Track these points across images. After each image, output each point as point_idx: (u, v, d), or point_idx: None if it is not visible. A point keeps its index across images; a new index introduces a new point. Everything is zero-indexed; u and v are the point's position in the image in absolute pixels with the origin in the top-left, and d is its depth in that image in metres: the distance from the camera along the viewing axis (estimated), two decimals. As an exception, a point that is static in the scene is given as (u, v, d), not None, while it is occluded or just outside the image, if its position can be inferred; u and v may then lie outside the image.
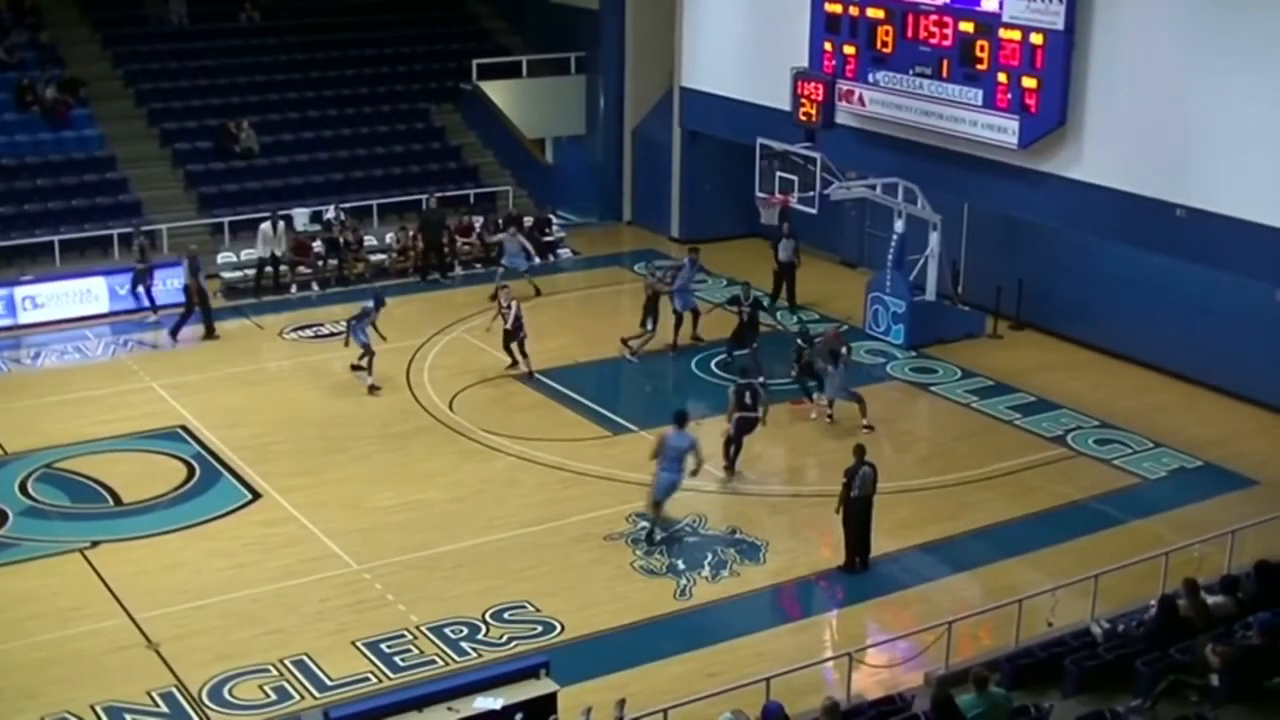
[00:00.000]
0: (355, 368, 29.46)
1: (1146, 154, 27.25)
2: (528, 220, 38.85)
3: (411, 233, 36.99)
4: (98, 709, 18.67)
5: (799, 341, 28.89)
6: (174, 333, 32.24)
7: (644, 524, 23.62)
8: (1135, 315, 30.70)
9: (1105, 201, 28.11)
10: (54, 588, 21.81)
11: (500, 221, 37.83)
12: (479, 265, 37.55)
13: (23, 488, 25.03)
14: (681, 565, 22.65)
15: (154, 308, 33.44)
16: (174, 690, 19.15)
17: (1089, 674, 17.56)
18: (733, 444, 25.66)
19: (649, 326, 31.22)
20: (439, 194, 38.11)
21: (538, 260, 36.00)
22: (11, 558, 22.71)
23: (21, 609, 21.14)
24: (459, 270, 37.10)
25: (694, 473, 23.54)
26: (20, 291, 32.93)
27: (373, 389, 28.99)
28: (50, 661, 19.80)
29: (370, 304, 29.47)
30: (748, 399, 25.60)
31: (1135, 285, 30.55)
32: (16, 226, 35.50)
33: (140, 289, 33.54)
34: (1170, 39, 26.75)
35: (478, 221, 38.35)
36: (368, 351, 29.09)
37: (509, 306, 29.93)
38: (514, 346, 30.17)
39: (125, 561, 22.61)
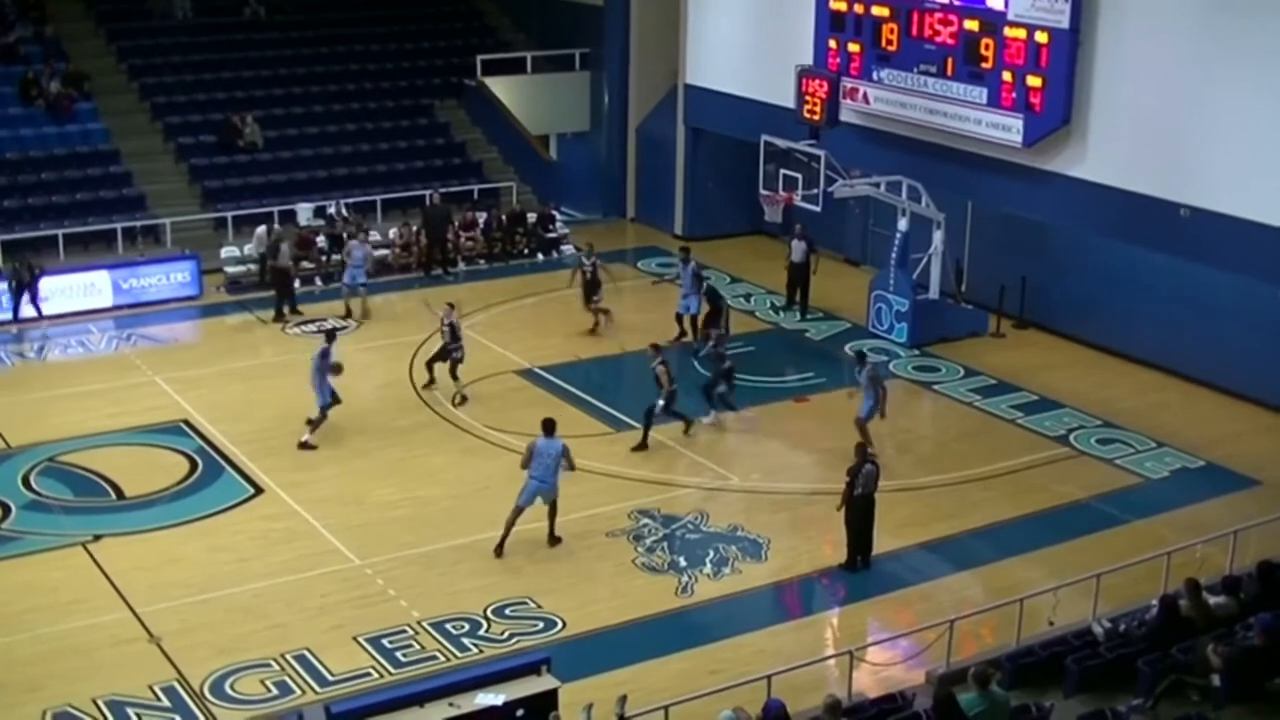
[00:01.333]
0: (310, 422, 26.93)
1: (1150, 153, 27.26)
2: (531, 216, 38.89)
3: (415, 228, 37.00)
4: (100, 703, 18.69)
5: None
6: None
7: (644, 520, 23.68)
8: (1138, 315, 30.70)
9: (1109, 201, 28.12)
10: (56, 581, 21.84)
11: (345, 221, 36.88)
12: (482, 261, 37.59)
13: (26, 481, 25.05)
14: (683, 562, 22.66)
15: (15, 319, 32.57)
16: (176, 684, 19.17)
17: (1090, 673, 17.57)
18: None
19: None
20: (442, 189, 38.08)
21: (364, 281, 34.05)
22: (14, 551, 22.74)
23: (24, 602, 21.17)
24: (462, 265, 37.11)
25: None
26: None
27: (304, 445, 26.70)
28: (52, 655, 19.83)
29: (324, 345, 27.31)
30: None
31: (1138, 285, 30.55)
32: (21, 220, 35.54)
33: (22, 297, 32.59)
34: (1175, 38, 26.76)
35: (481, 217, 38.34)
36: (325, 410, 26.89)
37: (448, 322, 28.85)
38: (436, 365, 29.13)
39: (127, 555, 22.64)
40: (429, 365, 29.37)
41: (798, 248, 34.66)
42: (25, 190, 36.37)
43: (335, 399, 26.87)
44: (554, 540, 23.07)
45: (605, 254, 36.59)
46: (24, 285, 32.26)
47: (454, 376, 28.90)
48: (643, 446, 26.57)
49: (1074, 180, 28.74)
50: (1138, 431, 27.58)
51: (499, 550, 22.63)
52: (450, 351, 28.75)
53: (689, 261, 32.55)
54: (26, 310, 32.42)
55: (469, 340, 30.14)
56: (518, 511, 22.80)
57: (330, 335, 27.90)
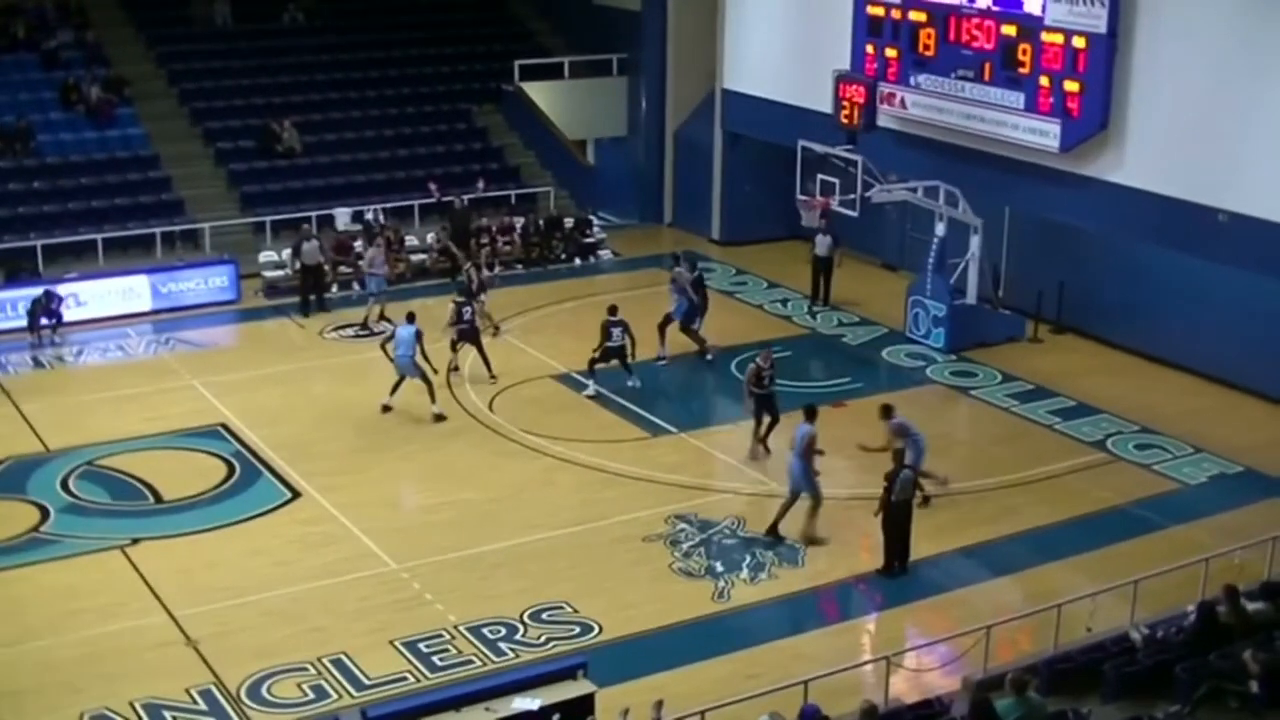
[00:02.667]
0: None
1: (1189, 158, 27.14)
2: (568, 221, 38.93)
3: (450, 233, 37.04)
4: (137, 706, 18.78)
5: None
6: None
7: (681, 524, 23.73)
8: (1176, 320, 30.55)
9: (1147, 206, 28.00)
10: (95, 584, 21.95)
11: (382, 227, 36.91)
12: (519, 266, 37.62)
13: (64, 484, 25.19)
14: (720, 567, 22.64)
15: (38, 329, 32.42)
16: (213, 688, 19.25)
17: (1128, 680, 17.47)
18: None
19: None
20: (469, 195, 38.02)
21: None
22: (54, 554, 22.87)
23: (63, 605, 21.29)
24: (498, 270, 37.10)
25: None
26: (63, 289, 33.05)
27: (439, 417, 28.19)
28: (91, 658, 19.93)
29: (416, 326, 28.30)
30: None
31: (1177, 290, 30.40)
32: (61, 225, 35.75)
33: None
34: (1213, 42, 26.63)
35: (518, 222, 38.38)
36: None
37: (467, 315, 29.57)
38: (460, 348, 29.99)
39: (165, 559, 22.74)
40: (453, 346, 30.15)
41: (822, 242, 34.74)
42: (66, 195, 36.58)
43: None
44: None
45: (641, 259, 36.76)
46: (48, 313, 32.29)
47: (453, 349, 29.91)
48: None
49: (1111, 185, 28.63)
50: (1176, 437, 27.44)
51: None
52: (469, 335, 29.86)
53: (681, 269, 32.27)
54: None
55: (507, 343, 30.22)
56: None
57: (411, 316, 28.66)
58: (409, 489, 25.23)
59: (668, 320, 31.39)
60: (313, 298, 34.26)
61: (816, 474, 23.34)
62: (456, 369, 29.98)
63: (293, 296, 34.78)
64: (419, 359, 27.95)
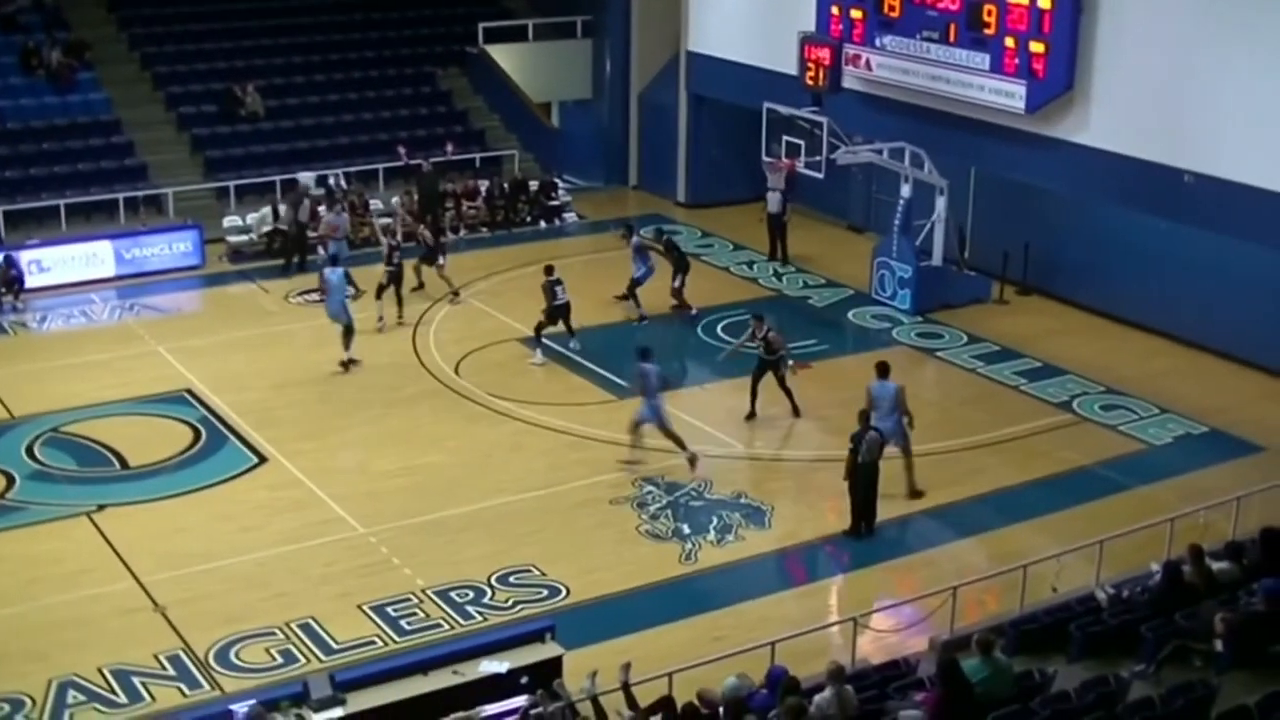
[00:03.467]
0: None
1: (1154, 119, 27.17)
2: (533, 184, 38.84)
3: (416, 197, 36.92)
4: (106, 672, 18.76)
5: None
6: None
7: (648, 487, 23.76)
8: (1142, 281, 30.66)
9: (1112, 167, 28.05)
10: (61, 551, 21.89)
11: (345, 191, 37.05)
12: (485, 229, 37.52)
13: (29, 451, 25.09)
14: (687, 529, 22.69)
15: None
16: (181, 653, 19.23)
17: (1093, 639, 17.57)
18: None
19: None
20: (435, 158, 37.87)
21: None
22: (19, 521, 22.79)
23: (29, 572, 21.23)
24: (463, 233, 36.99)
25: None
26: (26, 255, 32.84)
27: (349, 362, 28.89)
28: (58, 624, 19.89)
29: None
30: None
31: (1142, 251, 30.50)
32: (23, 191, 35.49)
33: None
34: (1179, 3, 26.64)
35: (483, 185, 38.27)
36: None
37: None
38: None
39: (132, 525, 22.69)
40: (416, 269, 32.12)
41: (773, 198, 34.90)
42: (27, 160, 36.31)
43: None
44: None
45: (607, 221, 36.68)
46: (8, 280, 32.05)
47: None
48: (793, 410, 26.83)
49: (1077, 146, 28.66)
50: (1141, 398, 27.57)
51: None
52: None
53: (632, 237, 32.34)
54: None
55: (473, 307, 30.20)
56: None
57: (334, 259, 31.72)
58: (376, 453, 25.16)
59: (634, 284, 31.41)
60: (296, 259, 34.43)
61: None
62: (381, 320, 30.78)
63: (258, 261, 34.64)
64: (349, 305, 28.80)
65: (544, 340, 29.12)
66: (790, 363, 26.61)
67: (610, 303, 31.94)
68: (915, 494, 23.65)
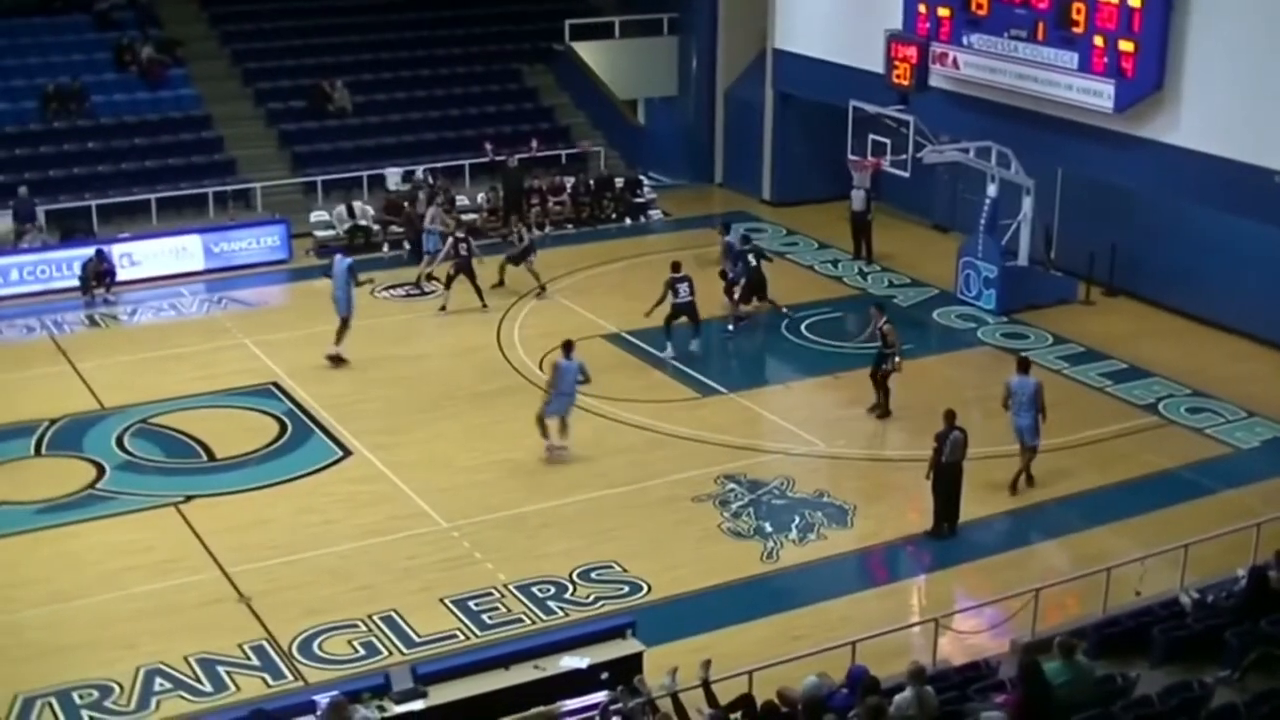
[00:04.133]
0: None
1: (1244, 119, 26.86)
2: (619, 181, 38.91)
3: (501, 193, 37.11)
4: (191, 660, 18.99)
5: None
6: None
7: (730, 485, 23.75)
8: (1230, 283, 30.31)
9: (1202, 167, 27.75)
10: (149, 541, 22.17)
11: (431, 186, 37.06)
12: (569, 226, 37.64)
13: (119, 442, 25.42)
14: (769, 528, 22.67)
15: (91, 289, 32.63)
16: (265, 643, 19.44)
17: (1177, 644, 17.43)
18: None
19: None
20: (520, 155, 38.00)
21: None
22: (109, 511, 23.11)
23: (118, 561, 21.52)
24: (548, 230, 37.13)
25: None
26: (118, 249, 33.29)
27: (335, 358, 28.95)
28: (146, 613, 20.16)
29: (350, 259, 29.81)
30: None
31: (1230, 252, 30.16)
32: (115, 185, 36.00)
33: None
34: (1270, 1, 26.34)
35: (569, 182, 38.40)
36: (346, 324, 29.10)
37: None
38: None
39: (218, 516, 22.95)
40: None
41: (858, 196, 34.77)
42: (119, 155, 36.81)
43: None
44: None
45: (692, 219, 36.71)
46: (99, 274, 32.48)
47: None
48: (880, 409, 26.76)
49: (1166, 146, 28.38)
50: (1228, 401, 27.28)
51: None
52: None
53: (726, 235, 32.46)
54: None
55: (557, 303, 30.30)
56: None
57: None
58: (459, 448, 25.28)
59: (729, 282, 31.53)
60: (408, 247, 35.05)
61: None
62: (444, 309, 31.20)
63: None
64: (352, 294, 29.02)
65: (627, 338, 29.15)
66: (897, 359, 26.50)
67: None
68: (1017, 488, 23.67)
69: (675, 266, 29.26)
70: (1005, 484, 23.74)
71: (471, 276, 31.47)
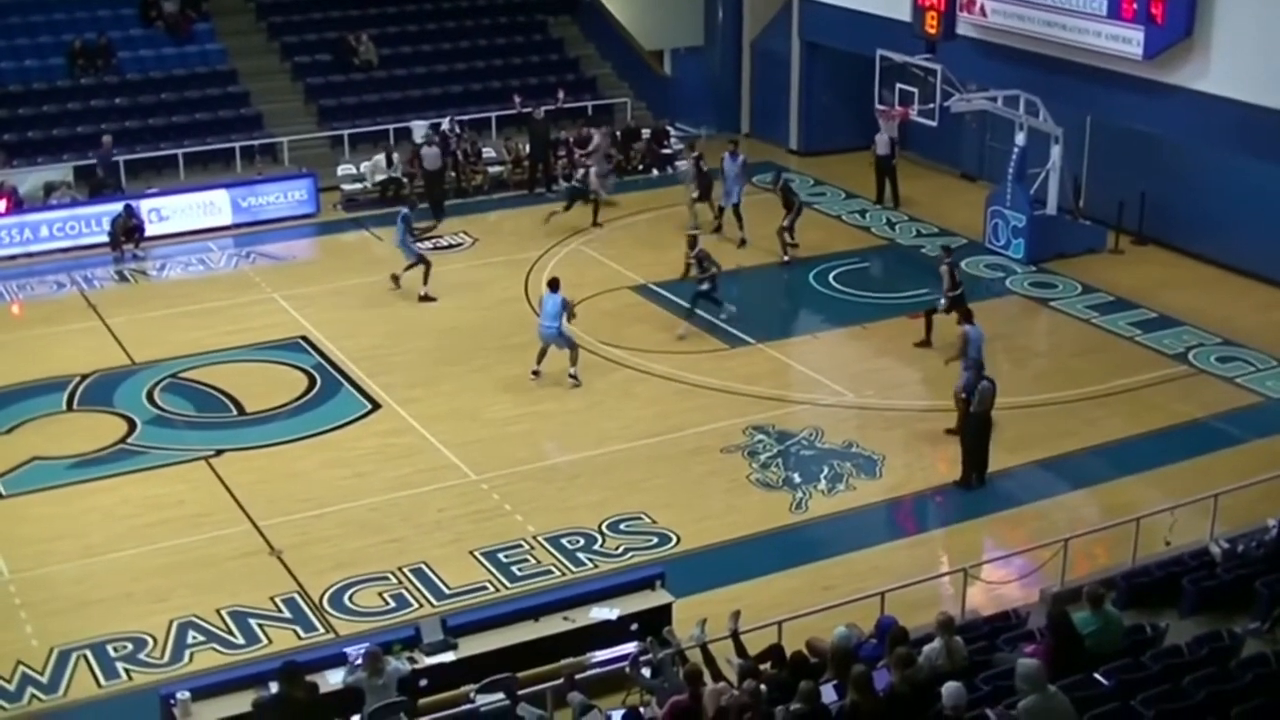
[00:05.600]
0: (395, 278, 30.25)
1: (1274, 65, 26.63)
2: (645, 132, 38.84)
3: (523, 145, 37.05)
4: (224, 613, 19.12)
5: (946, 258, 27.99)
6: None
7: (759, 436, 23.77)
8: (1260, 231, 30.14)
9: (1232, 114, 27.57)
10: (181, 495, 22.31)
11: (459, 138, 37.29)
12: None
13: (150, 397, 25.54)
14: (797, 478, 22.70)
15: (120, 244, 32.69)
16: (296, 596, 19.56)
17: (1206, 594, 17.42)
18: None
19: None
20: (547, 106, 37.93)
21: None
22: (141, 465, 23.24)
23: (151, 515, 21.67)
24: (575, 181, 37.06)
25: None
26: (146, 204, 33.36)
27: (424, 298, 29.72)
28: (178, 566, 20.30)
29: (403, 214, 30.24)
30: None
31: (1261, 200, 29.99)
32: (142, 140, 36.01)
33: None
34: (1302, -53, 26.16)
35: (596, 133, 38.30)
36: (421, 262, 29.81)
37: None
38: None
39: (248, 470, 23.07)
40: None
41: (881, 141, 34.66)
42: (146, 111, 36.81)
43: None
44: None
45: (719, 170, 36.51)
46: (128, 229, 32.54)
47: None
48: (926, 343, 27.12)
49: (1196, 94, 28.18)
50: (1258, 349, 27.17)
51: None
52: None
53: (737, 156, 32.74)
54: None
55: (585, 255, 30.29)
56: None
57: (413, 205, 31.47)
58: (487, 400, 25.34)
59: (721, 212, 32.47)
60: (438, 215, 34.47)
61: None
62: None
63: (371, 209, 34.90)
64: (409, 242, 29.73)
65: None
66: (942, 302, 26.77)
67: (719, 252, 31.89)
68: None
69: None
70: (1033, 437, 23.71)
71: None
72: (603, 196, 34.14)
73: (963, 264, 31.44)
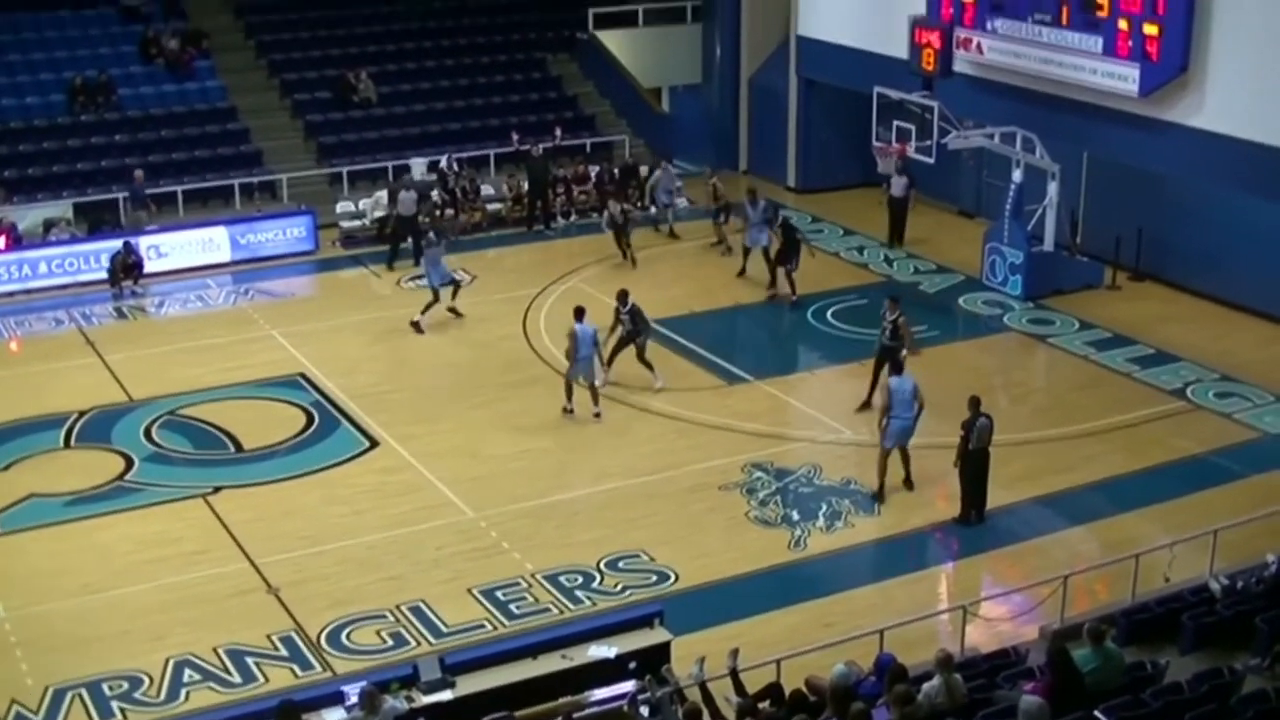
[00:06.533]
0: (454, 310, 30.52)
1: (1270, 102, 26.72)
2: (643, 169, 38.91)
3: (521, 181, 37.12)
4: (220, 651, 19.06)
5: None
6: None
7: (757, 473, 23.75)
8: (1257, 266, 30.20)
9: (1228, 151, 27.64)
10: (178, 532, 22.26)
11: (457, 176, 37.46)
12: (595, 214, 37.59)
13: (148, 434, 25.51)
14: (796, 516, 22.67)
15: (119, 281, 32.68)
16: (294, 634, 19.50)
17: (1206, 630, 17.39)
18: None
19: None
20: (545, 144, 37.99)
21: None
22: (138, 502, 23.20)
23: (148, 552, 21.61)
24: (574, 218, 37.16)
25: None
26: (145, 241, 33.39)
27: (415, 325, 30.06)
28: (175, 604, 20.23)
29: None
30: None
31: (1257, 236, 30.05)
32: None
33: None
34: (1297, -16, 26.26)
35: (594, 171, 38.38)
36: (453, 284, 30.37)
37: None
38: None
39: (246, 507, 23.03)
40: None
41: (897, 182, 34.65)
42: (146, 147, 36.90)
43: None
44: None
45: (718, 207, 36.54)
46: (126, 266, 32.57)
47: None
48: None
49: (1191, 130, 28.25)
50: (1256, 385, 27.17)
51: None
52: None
53: (757, 201, 32.65)
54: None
55: (583, 292, 30.33)
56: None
57: (440, 232, 31.79)
58: (486, 438, 25.32)
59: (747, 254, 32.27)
60: (403, 247, 34.36)
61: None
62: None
63: (370, 246, 34.95)
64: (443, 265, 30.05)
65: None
66: (904, 354, 26.27)
67: (718, 288, 31.97)
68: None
69: (621, 296, 27.43)
70: (1032, 473, 23.70)
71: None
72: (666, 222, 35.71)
73: (960, 300, 31.60)
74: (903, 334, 25.91)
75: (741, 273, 32.66)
